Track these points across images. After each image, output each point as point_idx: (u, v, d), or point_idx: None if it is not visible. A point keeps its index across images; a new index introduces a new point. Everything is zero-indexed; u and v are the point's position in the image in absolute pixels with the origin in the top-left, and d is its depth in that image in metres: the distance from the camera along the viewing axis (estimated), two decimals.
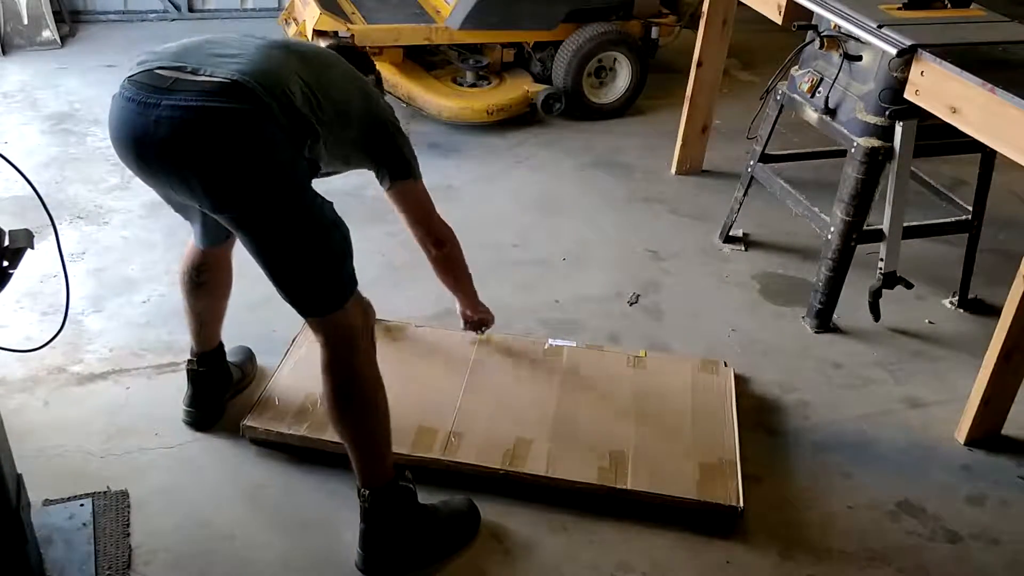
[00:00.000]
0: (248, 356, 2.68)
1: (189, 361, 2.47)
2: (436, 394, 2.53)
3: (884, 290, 2.94)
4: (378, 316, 2.85)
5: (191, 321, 2.43)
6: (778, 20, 3.17)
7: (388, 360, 2.64)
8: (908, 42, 2.58)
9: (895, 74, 2.67)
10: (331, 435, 2.35)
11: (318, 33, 4.04)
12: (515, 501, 2.30)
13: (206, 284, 2.37)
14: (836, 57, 2.89)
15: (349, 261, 2.02)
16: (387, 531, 2.07)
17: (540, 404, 2.54)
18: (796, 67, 3.16)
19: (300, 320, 2.77)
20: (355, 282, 2.03)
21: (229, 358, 2.57)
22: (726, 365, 2.76)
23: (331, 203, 1.99)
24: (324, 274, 1.97)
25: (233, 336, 2.83)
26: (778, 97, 3.20)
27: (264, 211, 1.85)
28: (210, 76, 1.79)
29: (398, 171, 2.18)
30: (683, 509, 2.28)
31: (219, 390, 2.51)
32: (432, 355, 2.73)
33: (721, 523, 2.28)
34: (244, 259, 3.23)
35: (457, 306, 2.69)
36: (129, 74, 1.94)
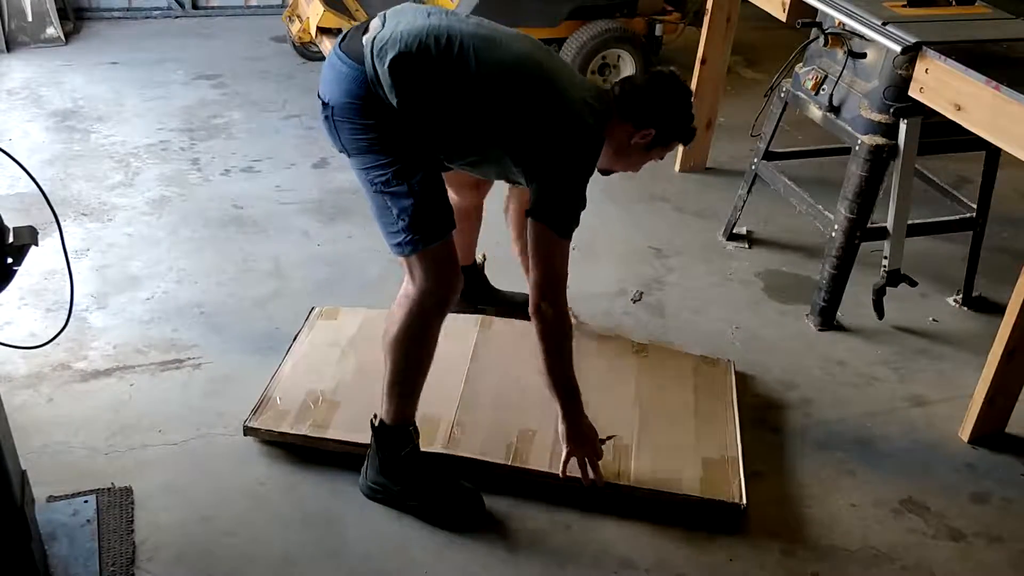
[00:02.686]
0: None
1: None
2: (438, 381, 2.50)
3: (888, 288, 2.94)
4: (382, 311, 2.86)
5: None
6: (782, 17, 3.16)
7: None
8: (912, 39, 2.58)
9: (899, 71, 2.66)
10: (333, 434, 2.37)
11: (321, 30, 4.04)
12: (518, 498, 2.30)
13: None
14: (840, 54, 2.89)
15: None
16: (382, 465, 2.23)
17: (543, 392, 2.53)
18: (800, 64, 3.15)
19: (302, 317, 2.80)
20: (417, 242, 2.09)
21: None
22: (729, 361, 2.76)
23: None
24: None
25: (237, 331, 2.85)
26: (782, 94, 3.20)
27: None
28: None
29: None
30: (686, 506, 2.28)
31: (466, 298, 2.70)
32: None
33: (724, 519, 2.28)
34: (248, 255, 3.24)
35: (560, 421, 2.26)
36: None
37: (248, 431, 2.38)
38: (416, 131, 2.07)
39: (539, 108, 2.07)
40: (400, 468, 2.23)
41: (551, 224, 2.07)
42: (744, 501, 2.27)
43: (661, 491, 2.28)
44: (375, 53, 2.02)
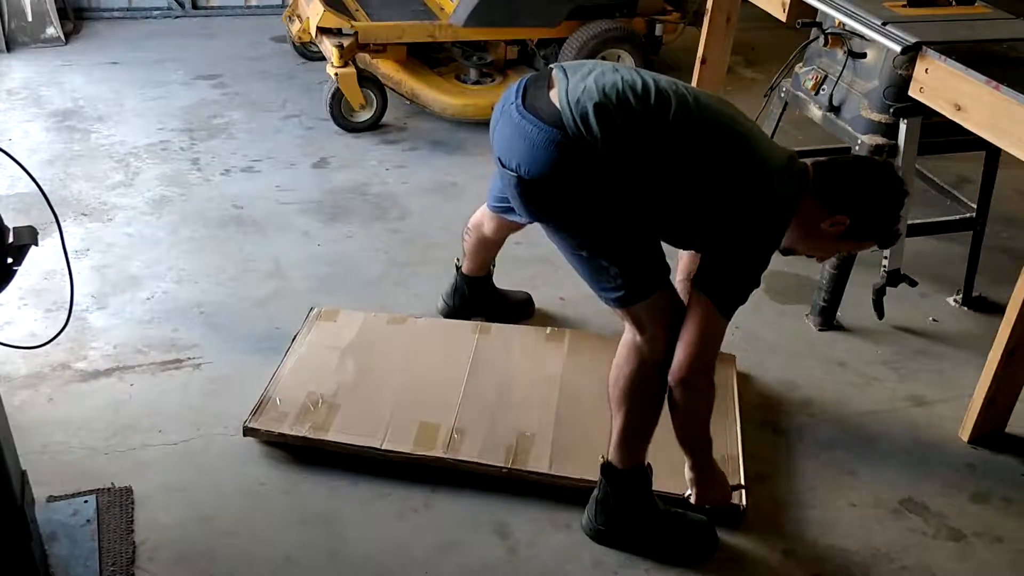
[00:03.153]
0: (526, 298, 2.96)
1: (457, 259, 2.85)
2: (438, 387, 2.53)
3: (888, 288, 2.93)
4: (380, 312, 2.87)
5: None
6: (782, 17, 3.16)
7: (389, 352, 2.67)
8: (912, 39, 2.58)
9: (899, 71, 2.66)
10: (333, 435, 2.37)
11: (321, 30, 4.04)
12: (518, 498, 2.30)
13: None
14: (840, 54, 2.89)
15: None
16: (614, 508, 2.17)
17: (542, 394, 2.54)
18: (800, 64, 3.15)
19: (302, 317, 2.80)
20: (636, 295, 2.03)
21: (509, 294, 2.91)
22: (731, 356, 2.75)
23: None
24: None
25: (237, 331, 2.85)
26: (782, 94, 3.20)
27: None
28: None
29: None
30: (688, 505, 2.28)
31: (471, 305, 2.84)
32: (433, 346, 2.72)
33: (724, 518, 2.28)
34: (248, 255, 3.24)
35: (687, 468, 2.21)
36: None
37: (248, 432, 2.38)
38: (618, 190, 1.93)
39: (734, 165, 1.93)
40: (635, 510, 2.17)
41: (721, 302, 1.96)
42: (744, 503, 2.27)
43: (661, 491, 2.28)
44: (573, 105, 1.89)
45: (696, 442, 2.11)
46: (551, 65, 2.07)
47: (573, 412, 2.49)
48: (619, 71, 2.00)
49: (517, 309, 2.94)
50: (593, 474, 2.29)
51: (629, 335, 2.08)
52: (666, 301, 2.04)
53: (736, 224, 1.94)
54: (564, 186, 1.93)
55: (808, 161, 2.08)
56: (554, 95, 1.94)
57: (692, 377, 1.98)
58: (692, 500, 2.19)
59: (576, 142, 1.87)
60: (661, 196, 1.97)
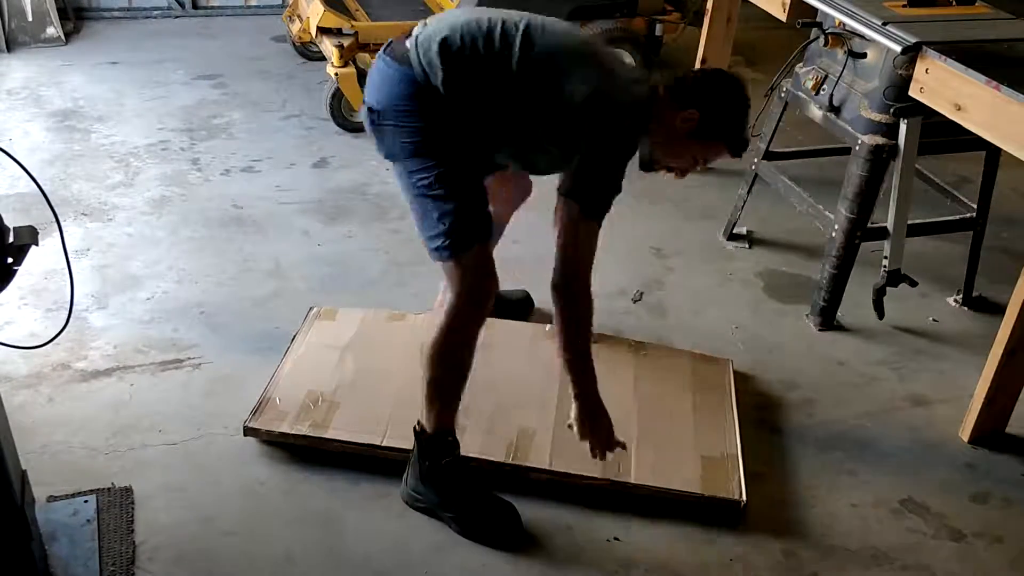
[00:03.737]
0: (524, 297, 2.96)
1: None
2: None
3: (888, 288, 2.93)
4: (380, 311, 2.87)
5: None
6: (782, 17, 3.16)
7: (390, 350, 2.67)
8: (913, 39, 2.58)
9: (900, 71, 2.66)
10: (333, 434, 2.37)
11: (321, 30, 4.04)
12: (518, 498, 2.30)
13: None
14: (841, 54, 2.89)
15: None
16: (424, 473, 2.22)
17: (542, 391, 2.54)
18: (800, 64, 3.15)
19: (301, 318, 2.80)
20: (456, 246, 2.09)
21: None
22: (727, 360, 2.76)
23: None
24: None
25: (237, 331, 2.85)
26: (782, 94, 3.20)
27: None
28: None
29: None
30: (687, 504, 2.28)
31: None
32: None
33: (724, 517, 2.28)
34: (248, 255, 3.24)
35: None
36: None
37: (248, 431, 2.38)
38: (463, 128, 2.08)
39: (585, 78, 2.04)
40: (441, 477, 2.21)
41: (584, 204, 2.05)
42: (744, 498, 2.28)
43: (661, 488, 2.28)
44: (420, 47, 2.07)
45: (578, 362, 2.10)
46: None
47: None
48: (474, 12, 2.14)
49: (516, 308, 2.94)
50: (594, 470, 2.29)
51: (444, 294, 2.15)
52: (483, 259, 2.10)
53: (596, 132, 2.04)
54: (408, 118, 2.08)
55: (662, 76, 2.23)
56: (409, 41, 2.11)
57: (566, 282, 2.05)
58: (577, 436, 2.16)
59: (423, 80, 2.06)
60: (512, 126, 2.12)
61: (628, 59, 2.24)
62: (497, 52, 2.05)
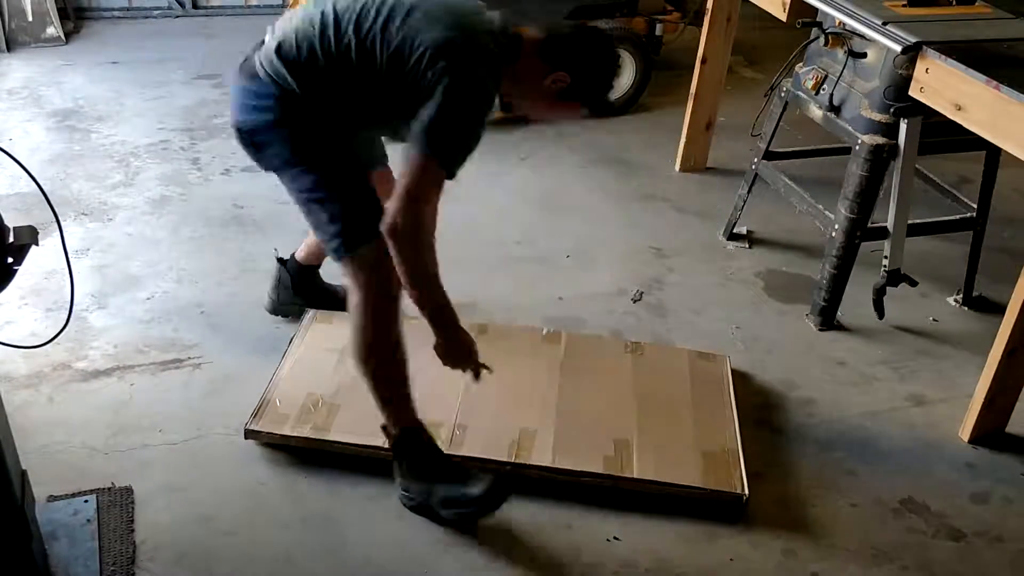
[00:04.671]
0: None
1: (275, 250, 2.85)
2: (438, 386, 2.52)
3: (888, 288, 2.94)
4: None
5: None
6: (783, 17, 3.16)
7: None
8: (913, 39, 2.57)
9: (900, 71, 2.66)
10: (334, 436, 2.37)
11: None
12: (519, 497, 2.30)
13: None
14: (841, 54, 2.89)
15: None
16: (404, 467, 2.23)
17: (542, 392, 2.55)
18: (800, 64, 3.15)
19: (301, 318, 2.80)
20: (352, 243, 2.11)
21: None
22: (725, 356, 2.77)
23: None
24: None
25: (238, 331, 2.85)
26: (782, 94, 3.20)
27: None
28: None
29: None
30: (689, 499, 2.29)
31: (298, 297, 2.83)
32: (431, 346, 2.71)
33: (726, 512, 2.29)
34: (249, 255, 3.24)
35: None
36: None
37: (249, 434, 2.38)
38: (331, 126, 2.09)
39: (437, 29, 1.99)
40: (422, 471, 2.22)
41: (435, 150, 1.97)
42: (746, 492, 2.28)
43: (665, 483, 2.29)
44: (264, 60, 2.10)
45: (427, 302, 2.09)
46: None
47: (573, 408, 2.50)
48: (306, 9, 2.13)
49: (344, 304, 2.87)
50: (596, 467, 2.30)
51: (352, 298, 2.14)
52: (381, 252, 2.04)
53: (441, 81, 1.96)
54: (272, 131, 2.11)
55: (528, 27, 2.17)
56: (259, 54, 2.13)
57: (400, 221, 1.95)
58: (440, 360, 2.22)
59: (277, 90, 2.07)
60: (378, 108, 2.12)
61: (494, 16, 2.18)
62: (336, 45, 2.04)
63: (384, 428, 2.23)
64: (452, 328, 2.17)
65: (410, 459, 2.23)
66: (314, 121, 2.10)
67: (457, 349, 2.21)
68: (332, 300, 2.81)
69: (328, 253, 2.16)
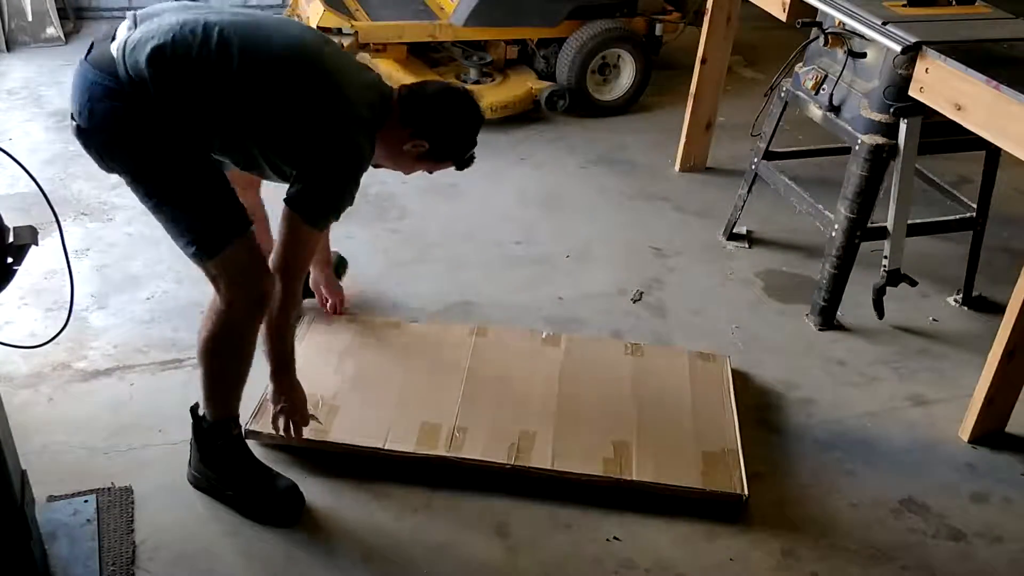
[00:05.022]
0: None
1: None
2: (437, 389, 2.53)
3: (888, 288, 2.93)
4: (379, 314, 2.87)
5: None
6: (782, 17, 3.16)
7: (386, 355, 2.67)
8: (913, 39, 2.58)
9: (900, 71, 2.66)
10: (335, 437, 2.38)
11: (321, 30, 4.04)
12: (519, 497, 2.31)
13: None
14: (840, 54, 2.89)
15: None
16: (202, 452, 2.23)
17: (541, 395, 2.55)
18: (800, 64, 3.15)
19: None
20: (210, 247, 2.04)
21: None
22: (725, 356, 2.77)
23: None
24: None
25: None
26: (782, 94, 3.20)
27: None
28: None
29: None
30: (689, 500, 2.29)
31: None
32: (430, 350, 2.73)
33: (726, 512, 2.29)
34: None
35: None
36: None
37: (250, 434, 2.38)
38: (182, 133, 1.97)
39: (307, 96, 1.99)
40: (219, 458, 2.23)
41: (306, 215, 2.04)
42: (746, 492, 2.28)
43: (665, 484, 2.29)
44: (128, 54, 1.93)
45: (276, 353, 2.16)
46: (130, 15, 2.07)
47: (573, 410, 2.50)
48: (188, 12, 2.01)
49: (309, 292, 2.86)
50: (596, 469, 2.30)
51: (213, 298, 2.09)
52: (243, 255, 2.02)
53: (322, 151, 2.00)
54: (118, 133, 1.96)
55: (396, 87, 2.20)
56: (114, 46, 1.96)
57: (277, 284, 2.04)
58: (273, 418, 2.25)
59: (129, 90, 1.92)
60: (233, 134, 2.03)
61: (364, 66, 2.26)
62: (214, 59, 1.94)
63: (198, 408, 2.21)
64: (288, 380, 2.21)
65: (210, 445, 2.22)
66: (165, 126, 1.95)
67: (288, 395, 2.22)
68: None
69: (188, 257, 2.05)
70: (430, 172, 2.32)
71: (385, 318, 2.86)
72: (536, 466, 2.32)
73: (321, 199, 2.06)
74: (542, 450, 2.35)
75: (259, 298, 2.04)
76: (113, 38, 2.00)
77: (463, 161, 2.27)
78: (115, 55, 1.94)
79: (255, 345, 2.13)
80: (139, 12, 2.05)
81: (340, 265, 2.93)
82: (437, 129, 2.18)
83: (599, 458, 2.33)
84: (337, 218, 2.12)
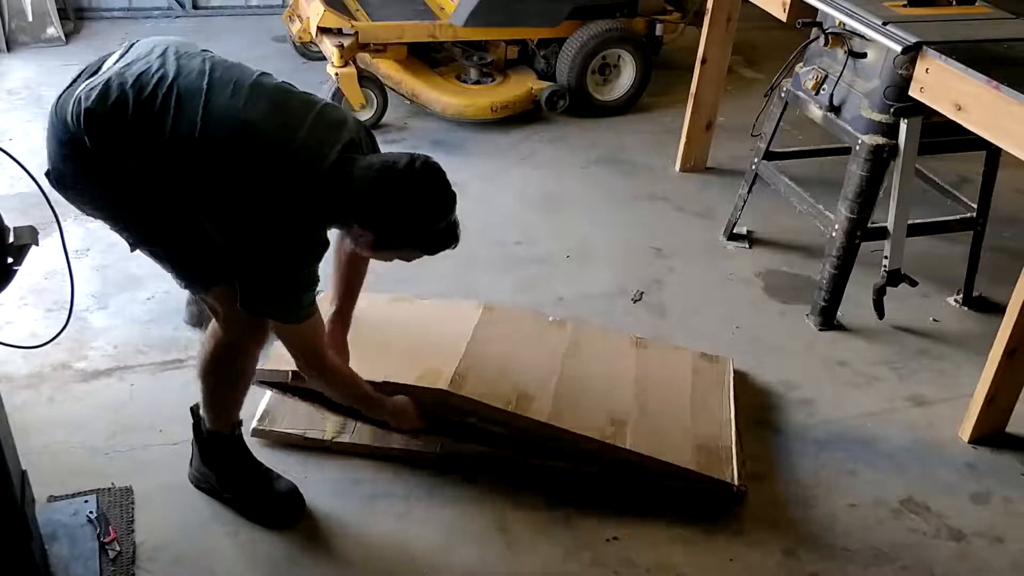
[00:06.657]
0: None
1: None
2: (439, 352, 2.48)
3: (888, 288, 2.94)
4: (371, 310, 2.85)
5: None
6: (783, 17, 3.16)
7: (388, 354, 2.64)
8: (913, 39, 2.58)
9: (900, 71, 2.66)
10: (340, 436, 2.38)
11: (322, 30, 4.04)
12: (518, 495, 2.31)
13: None
14: (841, 54, 2.89)
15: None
16: (203, 453, 2.23)
17: (544, 367, 2.53)
18: (800, 64, 3.15)
19: None
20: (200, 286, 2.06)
21: None
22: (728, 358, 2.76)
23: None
24: None
25: None
26: (782, 94, 3.20)
27: None
28: None
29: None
30: (684, 495, 2.28)
31: None
32: (435, 322, 2.68)
33: (720, 505, 2.29)
34: None
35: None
36: None
37: (256, 433, 2.39)
38: (131, 190, 1.87)
39: (260, 176, 1.82)
40: (220, 460, 2.23)
41: (283, 318, 1.93)
42: (736, 482, 2.27)
43: (659, 459, 2.27)
44: (75, 100, 1.85)
45: (352, 401, 2.24)
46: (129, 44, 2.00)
47: (573, 385, 2.47)
48: (155, 60, 1.89)
49: None
50: (594, 431, 2.29)
51: (214, 323, 2.10)
52: (234, 290, 1.93)
53: (264, 232, 1.83)
54: (83, 180, 1.91)
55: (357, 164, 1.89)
56: (79, 90, 1.87)
57: (309, 372, 2.08)
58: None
59: (79, 141, 1.84)
60: (175, 199, 1.89)
61: (342, 120, 2.01)
62: (149, 124, 1.81)
63: (198, 410, 2.20)
64: (381, 410, 2.26)
65: (211, 448, 2.22)
66: (114, 180, 1.87)
67: (395, 417, 2.28)
68: None
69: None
70: (406, 260, 2.04)
71: (393, 295, 2.82)
72: (533, 417, 2.29)
73: (277, 293, 1.90)
74: (540, 411, 2.33)
75: (256, 327, 2.02)
76: (97, 71, 1.94)
77: (426, 242, 1.94)
78: (72, 100, 1.86)
79: (254, 367, 2.15)
80: (126, 45, 2.01)
81: None
82: (378, 220, 1.88)
83: (595, 429, 2.31)
84: (311, 301, 1.93)
